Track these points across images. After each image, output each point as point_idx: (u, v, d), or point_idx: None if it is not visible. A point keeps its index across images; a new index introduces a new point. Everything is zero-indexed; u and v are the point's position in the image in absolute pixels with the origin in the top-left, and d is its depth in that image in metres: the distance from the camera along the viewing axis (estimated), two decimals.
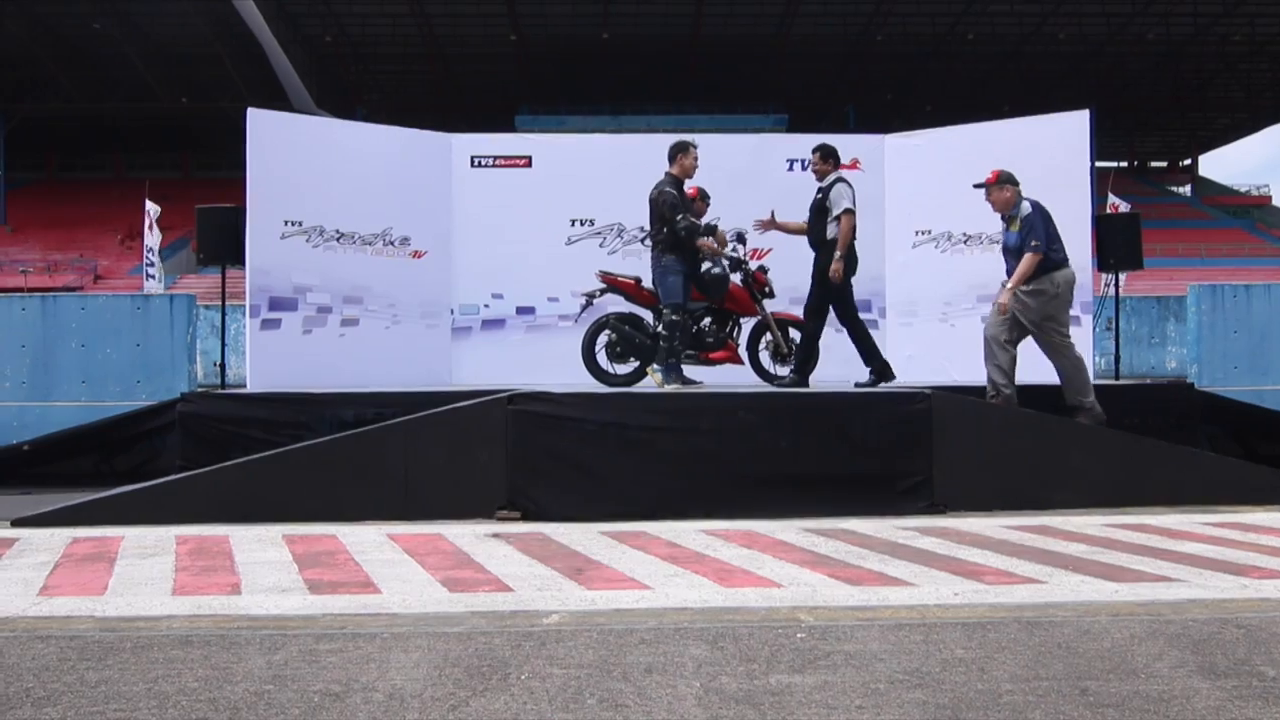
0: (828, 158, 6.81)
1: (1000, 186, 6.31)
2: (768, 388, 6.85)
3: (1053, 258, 6.06)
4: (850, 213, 6.57)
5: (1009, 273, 6.22)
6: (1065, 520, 5.14)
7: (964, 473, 5.56)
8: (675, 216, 6.55)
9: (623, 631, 3.08)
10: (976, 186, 6.55)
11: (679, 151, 6.79)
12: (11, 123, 38.33)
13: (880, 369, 6.81)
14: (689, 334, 7.11)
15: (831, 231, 6.61)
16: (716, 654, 2.85)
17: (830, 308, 6.83)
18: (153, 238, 17.10)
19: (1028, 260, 6.01)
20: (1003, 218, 6.36)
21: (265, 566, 4.08)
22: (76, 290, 31.41)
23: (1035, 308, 6.06)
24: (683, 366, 6.99)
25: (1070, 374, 6.14)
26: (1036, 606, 3.39)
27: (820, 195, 6.75)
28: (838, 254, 6.52)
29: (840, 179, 6.72)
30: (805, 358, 6.96)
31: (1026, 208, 6.18)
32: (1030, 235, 6.05)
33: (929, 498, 5.50)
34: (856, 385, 6.82)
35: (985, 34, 36.39)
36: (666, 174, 6.78)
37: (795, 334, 7.50)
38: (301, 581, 3.81)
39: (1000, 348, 6.14)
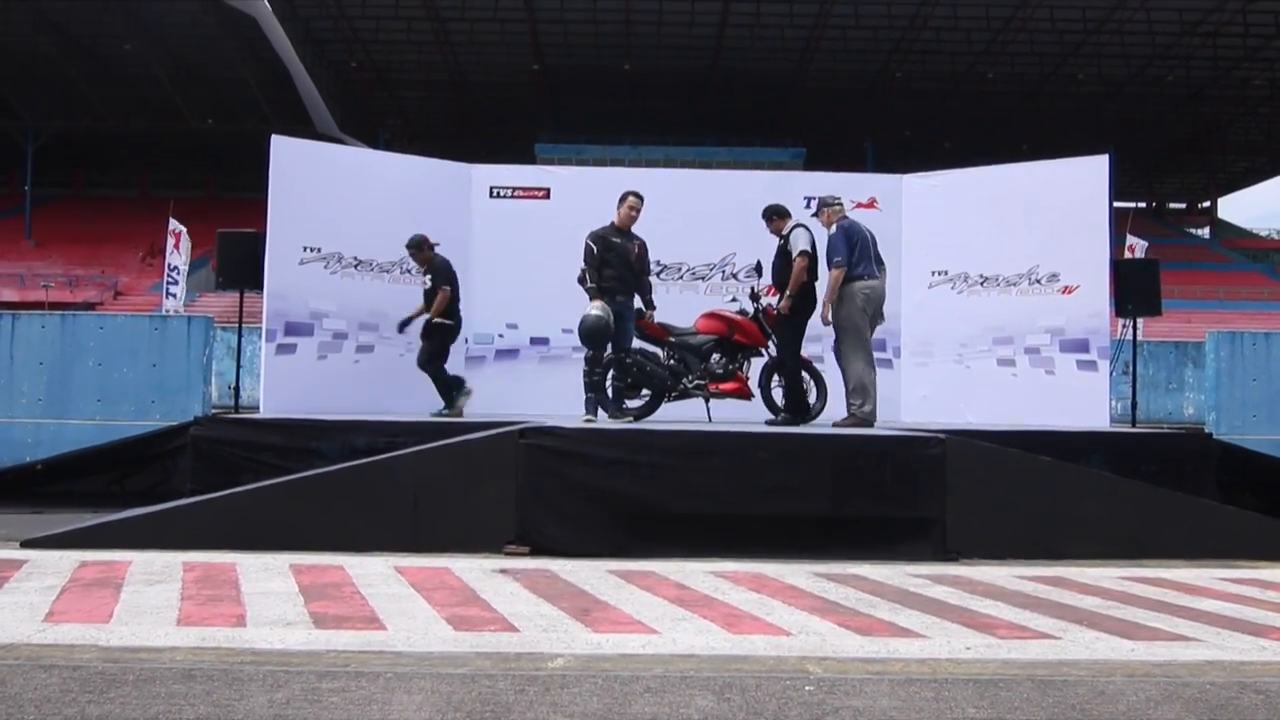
0: (772, 216, 7.17)
1: (821, 210, 7.21)
2: (779, 427, 6.81)
3: (852, 272, 6.84)
4: (805, 254, 6.83)
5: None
6: (1080, 572, 5.06)
7: (978, 519, 5.49)
8: (582, 272, 6.91)
9: (628, 679, 3.04)
10: (814, 215, 7.36)
11: (619, 201, 7.06)
12: (41, 139, 38.97)
13: (795, 413, 7.07)
14: (628, 372, 7.19)
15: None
16: (723, 706, 2.81)
17: (794, 345, 7.07)
18: (178, 257, 17.31)
19: (831, 275, 6.83)
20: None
21: (271, 597, 4.06)
22: (96, 305, 31.78)
23: (839, 313, 6.87)
24: (693, 398, 7.29)
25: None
26: (1050, 664, 3.33)
27: (781, 242, 7.05)
28: (789, 292, 6.82)
29: (798, 224, 7.06)
30: (799, 397, 7.14)
31: (834, 228, 6.98)
32: (831, 251, 6.87)
33: (942, 544, 5.43)
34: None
35: (1005, 73, 36.56)
36: (610, 222, 7.04)
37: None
38: (307, 615, 3.79)
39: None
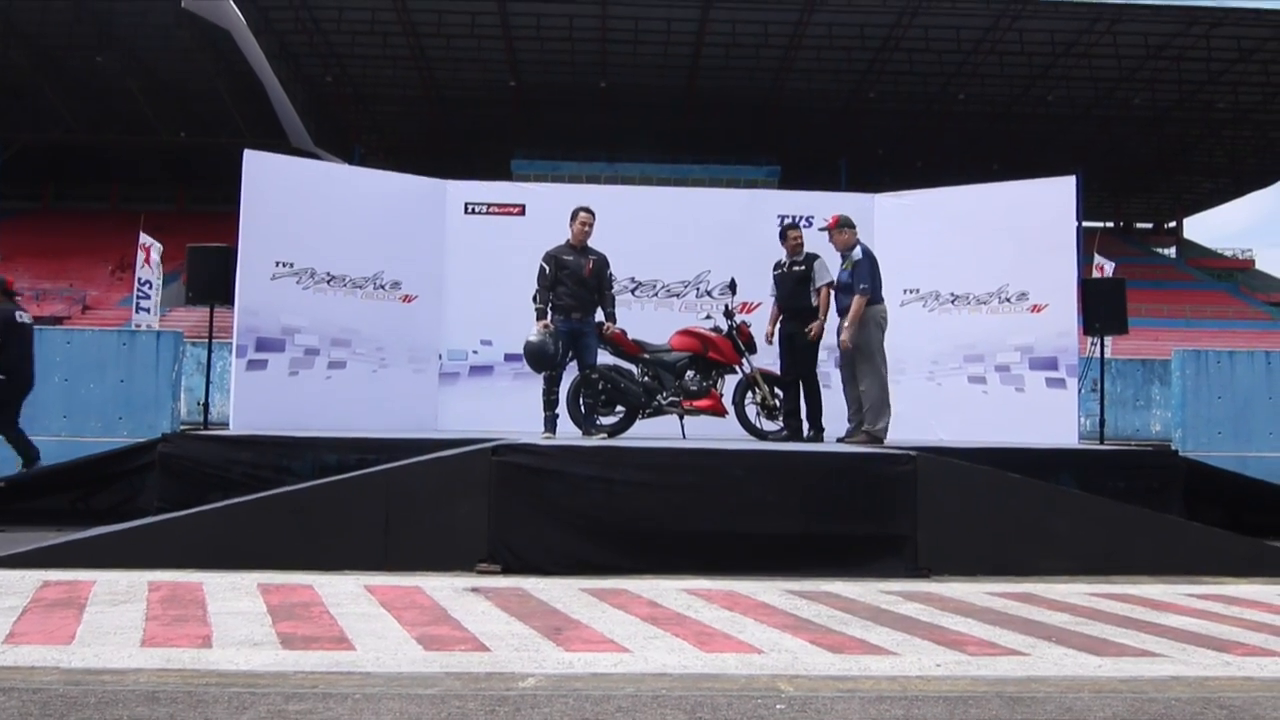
0: (797, 233, 7.72)
1: (839, 230, 7.30)
2: (753, 444, 6.84)
3: (872, 297, 7.14)
4: (833, 285, 7.36)
5: (839, 306, 7.28)
6: (1049, 588, 5.11)
7: (948, 536, 5.53)
8: (535, 292, 7.05)
9: (600, 698, 3.03)
10: (821, 229, 7.64)
11: (571, 218, 7.21)
12: (9, 151, 38.42)
13: (816, 427, 7.50)
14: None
15: (815, 300, 7.49)
16: None
17: (813, 365, 7.54)
18: (149, 271, 17.11)
19: (856, 301, 7.04)
20: (842, 256, 7.32)
21: (238, 618, 4.01)
22: (64, 320, 31.31)
23: (859, 335, 7.13)
24: (667, 414, 7.42)
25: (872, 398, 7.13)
26: (1019, 681, 3.35)
27: (800, 268, 7.52)
28: (821, 319, 7.40)
29: (814, 255, 7.58)
30: (806, 413, 7.52)
31: (858, 253, 7.18)
32: (858, 279, 7.06)
33: (913, 561, 5.46)
34: (839, 439, 7.16)
35: (976, 94, 37.06)
36: (566, 240, 7.20)
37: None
38: (274, 635, 3.74)
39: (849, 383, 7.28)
